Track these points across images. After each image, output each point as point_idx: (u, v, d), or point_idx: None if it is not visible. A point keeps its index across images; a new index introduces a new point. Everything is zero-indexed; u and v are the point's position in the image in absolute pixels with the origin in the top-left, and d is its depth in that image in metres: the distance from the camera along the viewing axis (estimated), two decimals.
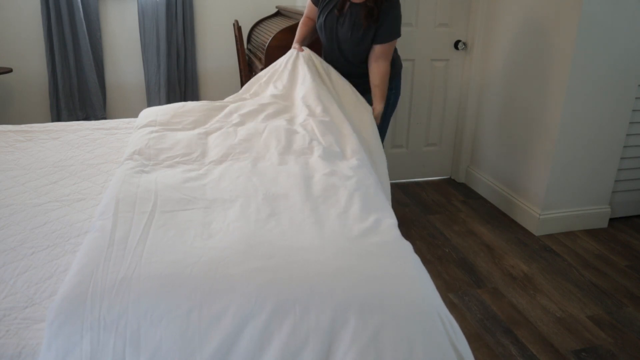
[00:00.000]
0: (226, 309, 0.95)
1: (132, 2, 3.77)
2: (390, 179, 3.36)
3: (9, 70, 3.44)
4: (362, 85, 2.28)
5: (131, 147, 1.67)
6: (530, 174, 2.75)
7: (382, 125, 2.39)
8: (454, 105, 3.32)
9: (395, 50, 2.38)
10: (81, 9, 3.60)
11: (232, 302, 0.95)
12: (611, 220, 2.86)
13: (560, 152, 2.57)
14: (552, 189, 2.64)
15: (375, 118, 2.16)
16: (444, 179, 3.46)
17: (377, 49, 2.17)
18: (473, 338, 1.90)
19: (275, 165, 1.55)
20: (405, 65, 3.14)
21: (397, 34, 2.17)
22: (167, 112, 2.03)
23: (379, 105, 2.21)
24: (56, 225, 1.35)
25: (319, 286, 0.99)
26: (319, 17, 2.26)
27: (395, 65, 2.36)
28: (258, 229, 1.15)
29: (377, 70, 2.19)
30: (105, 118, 3.89)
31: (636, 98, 2.60)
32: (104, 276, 0.98)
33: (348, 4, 2.14)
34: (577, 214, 2.73)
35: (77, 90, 3.78)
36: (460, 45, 3.14)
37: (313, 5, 2.30)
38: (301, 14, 3.06)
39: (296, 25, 3.01)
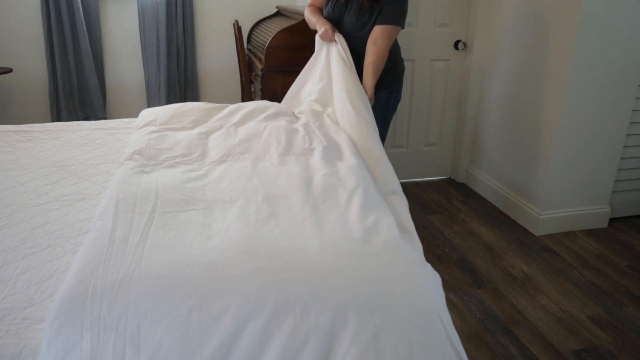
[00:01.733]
0: (226, 310, 0.95)
1: (132, 2, 3.77)
2: None
3: (9, 70, 3.44)
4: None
5: (131, 147, 1.67)
6: (530, 174, 2.75)
7: (383, 129, 2.38)
8: (454, 105, 3.32)
9: (399, 52, 2.37)
10: (81, 9, 3.60)
11: (232, 302, 0.95)
12: (611, 220, 2.86)
13: (560, 152, 2.57)
14: (552, 189, 2.64)
15: (367, 92, 2.11)
16: (444, 179, 3.46)
17: (376, 30, 2.14)
18: (473, 338, 1.90)
19: (275, 166, 1.54)
20: (405, 65, 3.13)
21: (398, 22, 2.14)
22: (167, 112, 2.03)
23: (371, 81, 2.14)
24: (56, 225, 1.35)
25: (319, 286, 0.99)
26: (326, 6, 2.28)
27: (397, 68, 2.36)
28: (258, 230, 1.15)
29: (375, 49, 2.14)
30: (105, 118, 3.89)
31: (636, 98, 2.60)
32: (104, 276, 0.97)
33: None
34: (577, 214, 2.73)
35: (77, 90, 3.78)
36: (460, 45, 3.14)
37: None
38: (301, 14, 3.06)
39: (296, 25, 3.00)
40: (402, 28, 2.19)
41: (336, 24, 2.25)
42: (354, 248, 1.11)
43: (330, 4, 2.26)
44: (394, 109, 2.40)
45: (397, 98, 2.38)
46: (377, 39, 2.15)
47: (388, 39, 2.16)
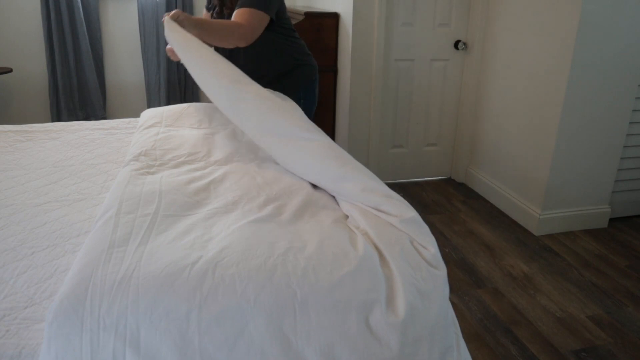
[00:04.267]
0: (225, 310, 0.95)
1: (132, 2, 3.77)
2: (390, 179, 3.36)
3: (9, 70, 3.44)
4: (275, 68, 2.10)
5: (137, 148, 1.65)
6: (530, 174, 2.75)
7: None
8: (454, 105, 3.32)
9: (302, 50, 2.13)
10: (81, 9, 3.60)
11: (232, 302, 0.95)
12: (611, 220, 2.86)
13: (560, 152, 2.57)
14: (552, 189, 2.64)
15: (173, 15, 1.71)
16: (443, 179, 3.46)
17: (235, 13, 1.84)
18: (473, 338, 1.90)
19: (280, 166, 1.54)
20: (404, 65, 3.14)
21: (258, 5, 1.83)
22: (172, 113, 2.01)
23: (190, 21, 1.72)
24: (56, 225, 1.35)
25: (319, 286, 0.99)
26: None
27: (301, 68, 2.12)
28: (258, 230, 1.15)
29: (229, 20, 1.84)
30: (105, 118, 3.89)
31: (636, 98, 2.60)
32: (104, 277, 0.97)
33: None
34: (577, 214, 2.73)
35: (77, 90, 3.78)
36: (460, 45, 3.13)
37: (207, 12, 2.26)
38: (301, 14, 3.07)
39: (296, 25, 3.01)
40: (268, 14, 1.87)
41: None
42: (354, 247, 1.11)
43: (214, 15, 2.16)
44: (309, 115, 2.12)
45: (308, 103, 2.13)
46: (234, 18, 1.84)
47: (247, 21, 1.81)
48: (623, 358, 1.82)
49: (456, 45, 3.14)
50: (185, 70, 3.93)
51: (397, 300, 1.02)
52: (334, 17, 3.09)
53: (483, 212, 2.95)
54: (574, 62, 2.39)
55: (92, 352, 0.91)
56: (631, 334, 1.94)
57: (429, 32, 3.09)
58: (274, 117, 1.45)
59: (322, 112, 3.30)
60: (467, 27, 3.14)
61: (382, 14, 2.91)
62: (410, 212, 1.22)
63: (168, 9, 3.72)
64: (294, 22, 3.07)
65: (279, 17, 2.02)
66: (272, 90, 1.87)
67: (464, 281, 2.25)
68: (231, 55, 2.08)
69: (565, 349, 1.86)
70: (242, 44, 1.83)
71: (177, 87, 3.96)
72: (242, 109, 1.49)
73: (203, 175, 1.46)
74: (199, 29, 1.71)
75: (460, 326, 1.94)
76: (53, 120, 3.79)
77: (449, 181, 3.43)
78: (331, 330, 0.96)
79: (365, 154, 3.21)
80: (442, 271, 1.11)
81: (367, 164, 3.23)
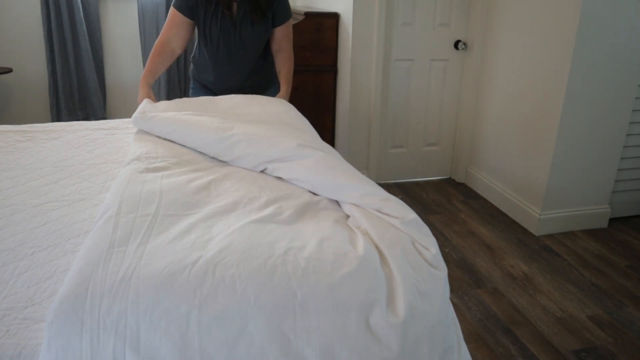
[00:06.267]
0: (225, 310, 0.94)
1: (132, 2, 3.77)
2: (390, 179, 3.36)
3: (9, 70, 3.44)
4: (265, 79, 2.24)
5: (139, 148, 1.64)
6: (530, 174, 2.75)
7: None
8: (454, 105, 3.32)
9: None
10: (81, 10, 3.60)
11: (232, 302, 0.95)
12: (611, 220, 2.86)
13: (560, 152, 2.57)
14: (552, 189, 2.64)
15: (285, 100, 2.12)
16: (443, 179, 3.46)
17: (279, 32, 2.10)
18: (473, 338, 1.90)
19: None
20: (404, 65, 3.14)
21: (290, 13, 2.13)
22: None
23: (287, 88, 2.18)
24: (56, 225, 1.35)
25: (319, 286, 0.99)
26: (204, 28, 2.04)
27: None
28: (258, 230, 1.15)
29: (287, 55, 2.17)
30: (105, 118, 3.89)
31: (636, 98, 2.60)
32: (104, 277, 0.97)
33: (234, 3, 1.99)
34: (577, 214, 2.73)
35: (77, 90, 3.78)
36: (460, 45, 3.14)
37: (184, 17, 2.01)
38: (301, 14, 3.06)
39: (296, 25, 3.00)
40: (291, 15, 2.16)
41: (229, 39, 2.05)
42: (354, 247, 1.11)
43: (212, 23, 2.01)
44: None
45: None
46: (281, 41, 2.13)
47: (291, 36, 2.17)
48: (623, 358, 1.82)
49: (456, 45, 3.14)
50: (185, 70, 3.93)
51: (397, 301, 1.02)
52: (334, 17, 3.09)
53: (483, 212, 2.95)
54: (574, 62, 2.39)
55: (92, 352, 0.91)
56: (631, 334, 1.94)
57: (429, 32, 3.09)
58: (267, 149, 1.49)
59: (321, 112, 3.30)
60: (467, 27, 3.14)
61: (382, 14, 2.92)
62: (412, 214, 1.22)
63: (168, 9, 3.72)
64: (294, 22, 3.07)
65: None
66: (264, 99, 1.95)
67: (464, 281, 2.25)
68: (242, 54, 2.13)
69: (565, 349, 1.86)
70: None
71: (177, 87, 3.96)
72: (236, 155, 1.55)
73: (204, 175, 1.45)
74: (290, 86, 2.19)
75: (460, 326, 1.94)
76: (53, 120, 3.79)
77: (449, 181, 3.43)
78: (331, 331, 0.96)
79: (365, 154, 3.21)
80: (442, 272, 1.11)
81: (367, 164, 3.23)
